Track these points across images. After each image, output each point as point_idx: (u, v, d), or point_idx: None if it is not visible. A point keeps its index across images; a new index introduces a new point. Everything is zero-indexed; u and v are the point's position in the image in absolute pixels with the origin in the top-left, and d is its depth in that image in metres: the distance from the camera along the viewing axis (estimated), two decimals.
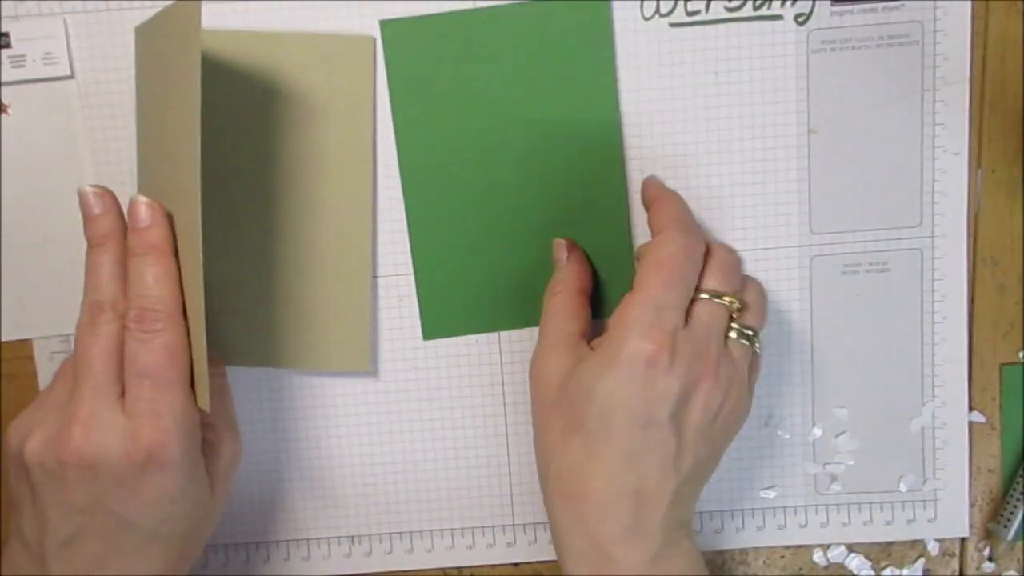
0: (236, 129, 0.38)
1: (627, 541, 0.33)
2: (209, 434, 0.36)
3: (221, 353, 0.39)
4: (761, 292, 0.37)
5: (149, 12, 0.38)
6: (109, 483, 0.32)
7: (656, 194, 0.37)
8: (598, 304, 0.40)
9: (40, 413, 0.34)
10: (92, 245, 0.34)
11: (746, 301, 0.35)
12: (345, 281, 0.39)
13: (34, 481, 0.33)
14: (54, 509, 0.33)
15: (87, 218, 0.34)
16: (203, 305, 0.32)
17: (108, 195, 0.34)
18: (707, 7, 0.38)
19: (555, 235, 0.39)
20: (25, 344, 0.41)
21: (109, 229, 0.34)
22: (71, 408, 0.33)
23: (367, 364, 0.39)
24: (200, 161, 0.31)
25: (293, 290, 0.38)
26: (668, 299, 0.33)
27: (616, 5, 0.38)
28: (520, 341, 0.41)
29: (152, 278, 0.33)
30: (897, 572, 0.43)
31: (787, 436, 0.42)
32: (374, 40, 0.38)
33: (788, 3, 0.38)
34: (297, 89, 0.38)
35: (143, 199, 0.34)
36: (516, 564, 0.43)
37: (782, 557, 0.43)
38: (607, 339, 0.34)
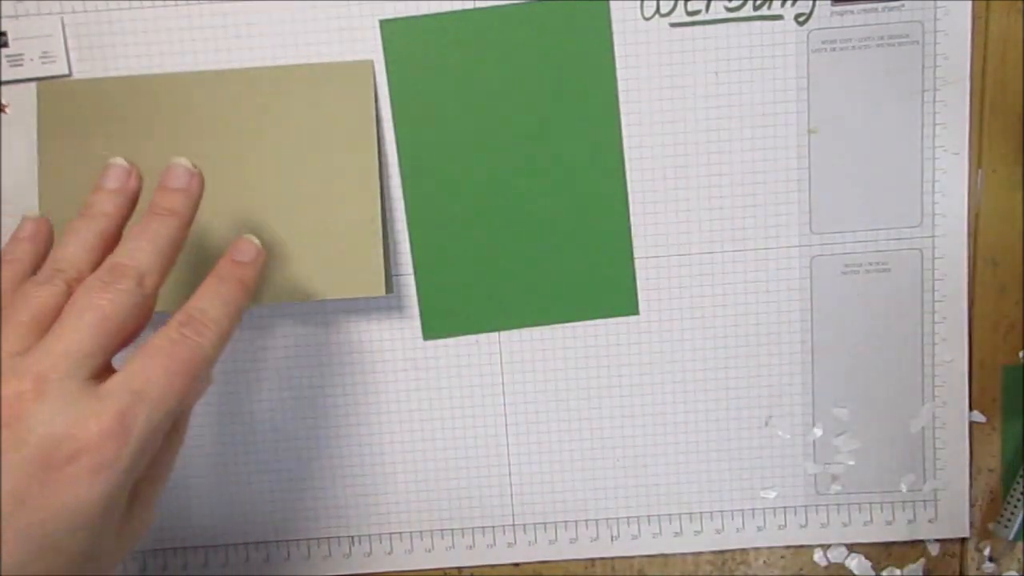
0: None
1: None
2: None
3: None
4: None
5: (148, 11, 0.38)
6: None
7: None
8: (592, 305, 0.40)
9: None
10: (86, 215, 0.31)
11: None
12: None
13: None
14: None
15: (99, 187, 0.32)
16: None
17: (136, 179, 0.32)
18: (707, 7, 0.38)
19: (555, 235, 0.39)
20: None
21: (113, 208, 0.31)
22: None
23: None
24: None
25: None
26: None
27: (616, 5, 0.38)
28: (520, 341, 0.41)
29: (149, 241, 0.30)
30: (897, 572, 0.43)
31: (787, 436, 0.42)
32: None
33: (788, 3, 0.38)
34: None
35: (188, 163, 0.32)
36: (516, 564, 0.42)
37: (782, 557, 0.43)
38: None
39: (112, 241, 0.31)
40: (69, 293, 0.29)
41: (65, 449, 0.26)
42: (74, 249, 0.30)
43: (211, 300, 0.30)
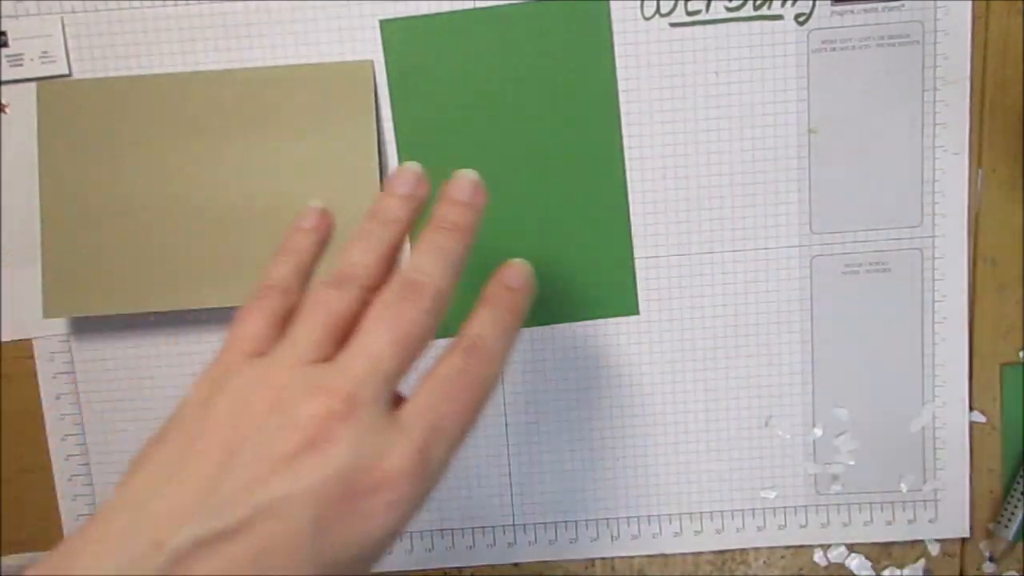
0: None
1: None
2: None
3: None
4: None
5: (148, 11, 0.38)
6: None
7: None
8: (592, 305, 0.40)
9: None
10: (377, 220, 0.29)
11: None
12: None
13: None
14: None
15: (389, 191, 0.30)
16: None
17: (426, 185, 0.30)
18: (707, 7, 0.38)
19: (555, 235, 0.39)
20: (25, 344, 0.41)
21: (405, 215, 0.29)
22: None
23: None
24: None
25: None
26: None
27: (616, 5, 0.38)
28: (520, 341, 0.41)
29: (439, 257, 0.28)
30: (898, 572, 0.42)
31: (787, 436, 0.41)
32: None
33: (788, 3, 0.38)
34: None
35: (475, 175, 0.30)
36: (516, 564, 0.42)
37: (782, 557, 0.43)
38: None
39: (398, 251, 0.29)
40: (363, 302, 0.27)
41: (368, 480, 0.24)
42: (368, 256, 0.28)
43: (490, 328, 0.28)
